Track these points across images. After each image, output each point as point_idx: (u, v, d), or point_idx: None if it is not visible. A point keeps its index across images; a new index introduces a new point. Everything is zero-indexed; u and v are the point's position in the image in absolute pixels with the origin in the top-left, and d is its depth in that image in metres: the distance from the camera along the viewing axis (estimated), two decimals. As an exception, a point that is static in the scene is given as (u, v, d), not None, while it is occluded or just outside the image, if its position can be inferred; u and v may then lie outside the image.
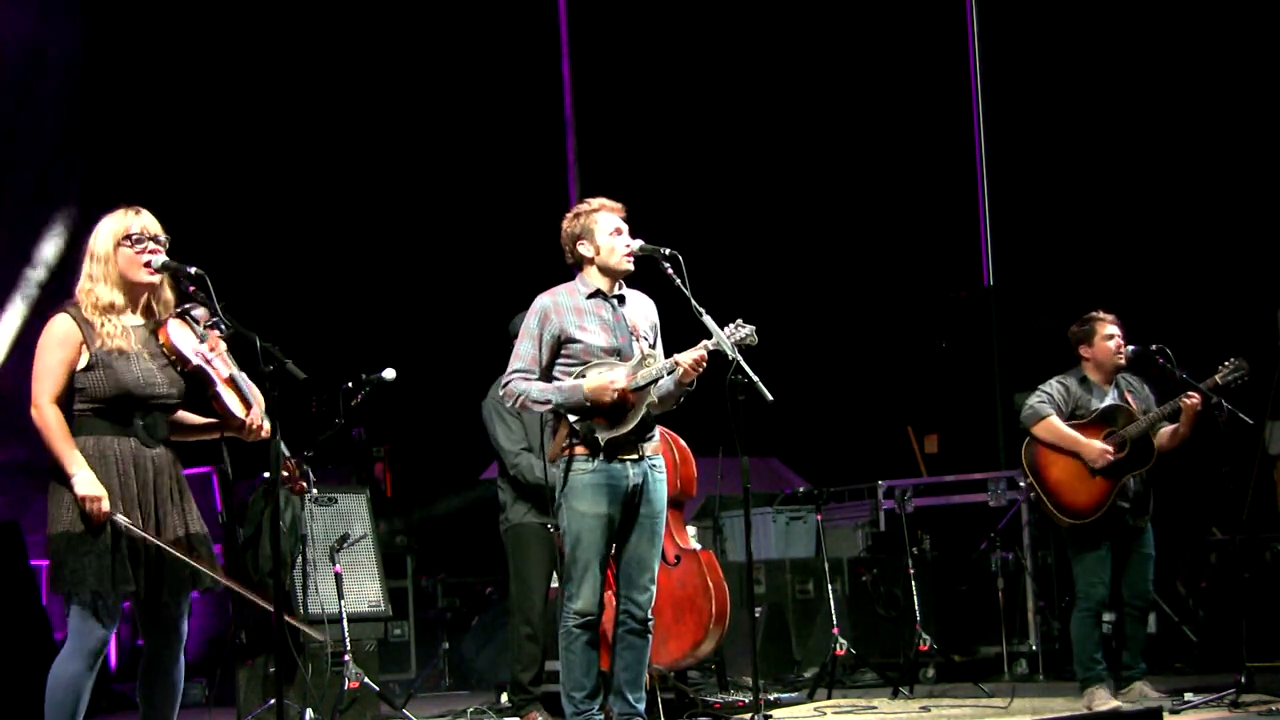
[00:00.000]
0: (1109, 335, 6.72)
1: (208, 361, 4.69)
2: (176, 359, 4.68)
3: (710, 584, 6.68)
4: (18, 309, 9.88)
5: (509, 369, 5.50)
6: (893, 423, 11.36)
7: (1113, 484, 6.57)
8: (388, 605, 7.67)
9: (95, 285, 4.62)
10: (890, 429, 11.36)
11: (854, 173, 12.13)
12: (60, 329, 4.58)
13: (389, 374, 6.91)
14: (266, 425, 4.71)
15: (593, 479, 5.31)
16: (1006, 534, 8.45)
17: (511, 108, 12.08)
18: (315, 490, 6.98)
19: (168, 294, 4.74)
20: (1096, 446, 6.57)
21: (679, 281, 5.39)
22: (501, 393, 5.59)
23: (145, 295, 4.71)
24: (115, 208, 4.72)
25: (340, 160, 11.47)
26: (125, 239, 4.63)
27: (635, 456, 5.37)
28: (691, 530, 7.07)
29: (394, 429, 10.94)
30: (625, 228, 5.52)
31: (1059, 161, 11.00)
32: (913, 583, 8.00)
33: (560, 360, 5.42)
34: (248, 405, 4.72)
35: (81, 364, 4.55)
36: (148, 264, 4.62)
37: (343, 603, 6.87)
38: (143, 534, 4.51)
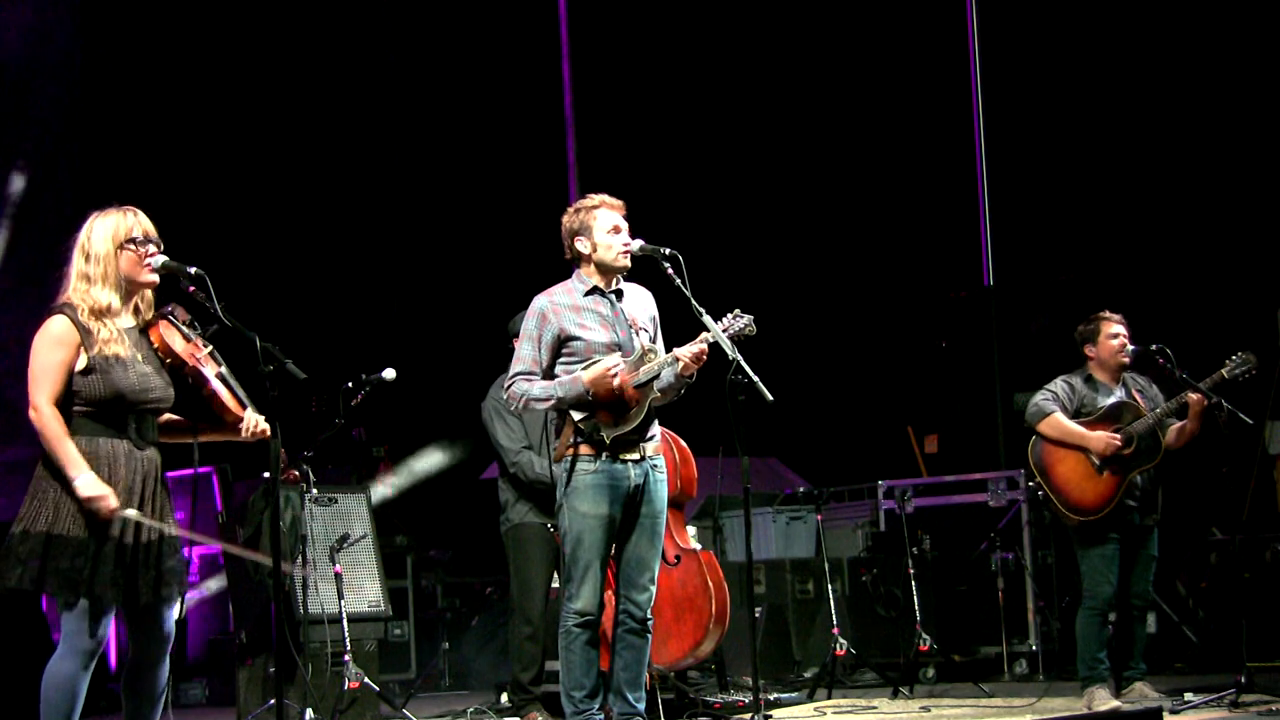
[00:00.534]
0: (1114, 334, 6.73)
1: (198, 361, 4.68)
2: (172, 359, 4.66)
3: (710, 584, 6.68)
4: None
5: (510, 372, 5.50)
6: (893, 423, 11.36)
7: (1120, 480, 6.57)
8: (388, 605, 7.67)
9: (92, 287, 4.57)
10: (890, 429, 11.36)
11: (854, 173, 12.13)
12: (58, 329, 4.53)
13: (389, 374, 6.91)
14: (266, 425, 4.70)
15: (594, 479, 5.31)
16: (1006, 534, 8.45)
17: (511, 108, 12.08)
18: (315, 490, 7.00)
19: (149, 294, 4.71)
20: (1103, 436, 6.56)
21: (679, 281, 5.39)
22: (504, 396, 5.59)
23: (135, 297, 4.68)
24: (106, 207, 4.68)
25: (340, 160, 11.47)
26: (129, 242, 4.60)
27: (637, 457, 5.37)
28: (691, 530, 7.06)
29: (394, 429, 10.94)
30: (624, 225, 5.52)
31: (1059, 161, 11.00)
32: (913, 583, 8.00)
33: (563, 359, 5.42)
34: (242, 405, 4.71)
35: (79, 366, 4.52)
36: (149, 265, 4.61)
37: (343, 603, 6.87)
38: (150, 522, 4.50)
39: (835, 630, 7.79)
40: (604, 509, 5.31)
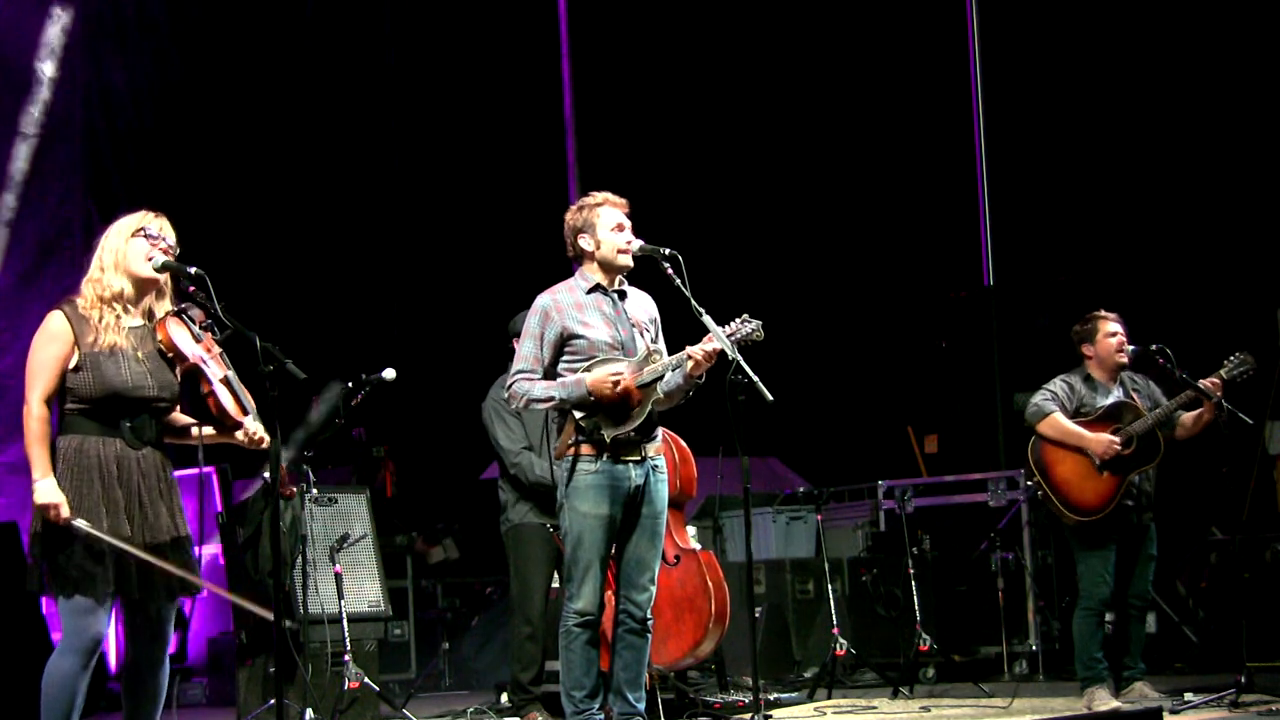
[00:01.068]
0: (1111, 333, 6.73)
1: (204, 362, 4.68)
2: (174, 355, 4.67)
3: (710, 584, 6.68)
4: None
5: (512, 370, 5.50)
6: (893, 423, 11.36)
7: (1120, 481, 6.57)
8: (388, 605, 7.67)
9: (105, 273, 4.63)
10: (890, 429, 11.36)
11: (854, 173, 12.12)
12: (53, 326, 4.59)
13: (389, 374, 6.91)
14: (265, 436, 4.71)
15: (595, 480, 5.31)
16: (1006, 534, 8.45)
17: (511, 108, 12.08)
18: (315, 490, 7.00)
19: (166, 302, 4.75)
20: (1103, 439, 6.57)
21: (679, 282, 5.39)
22: (506, 394, 5.59)
23: (148, 298, 4.70)
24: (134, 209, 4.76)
25: (340, 160, 11.46)
26: (141, 230, 4.66)
27: (638, 457, 5.37)
28: (691, 530, 7.06)
29: (394, 429, 10.95)
30: (628, 223, 5.52)
31: (1059, 161, 11.00)
32: (913, 583, 8.00)
33: (565, 357, 5.42)
34: (244, 409, 4.71)
35: (71, 364, 4.55)
36: (151, 258, 4.63)
37: (343, 603, 6.87)
38: (100, 535, 4.47)
39: (835, 630, 7.79)
40: (604, 509, 5.32)
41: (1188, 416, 6.69)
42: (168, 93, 10.67)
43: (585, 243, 5.51)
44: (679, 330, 5.55)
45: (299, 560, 6.85)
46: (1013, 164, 10.87)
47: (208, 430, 4.78)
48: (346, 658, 6.76)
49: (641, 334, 5.47)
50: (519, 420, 6.82)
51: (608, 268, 5.51)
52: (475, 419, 7.05)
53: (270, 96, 11.08)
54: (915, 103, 11.68)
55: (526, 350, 5.47)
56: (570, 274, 5.62)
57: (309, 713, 6.43)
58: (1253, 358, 6.53)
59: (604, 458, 5.32)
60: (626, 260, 5.49)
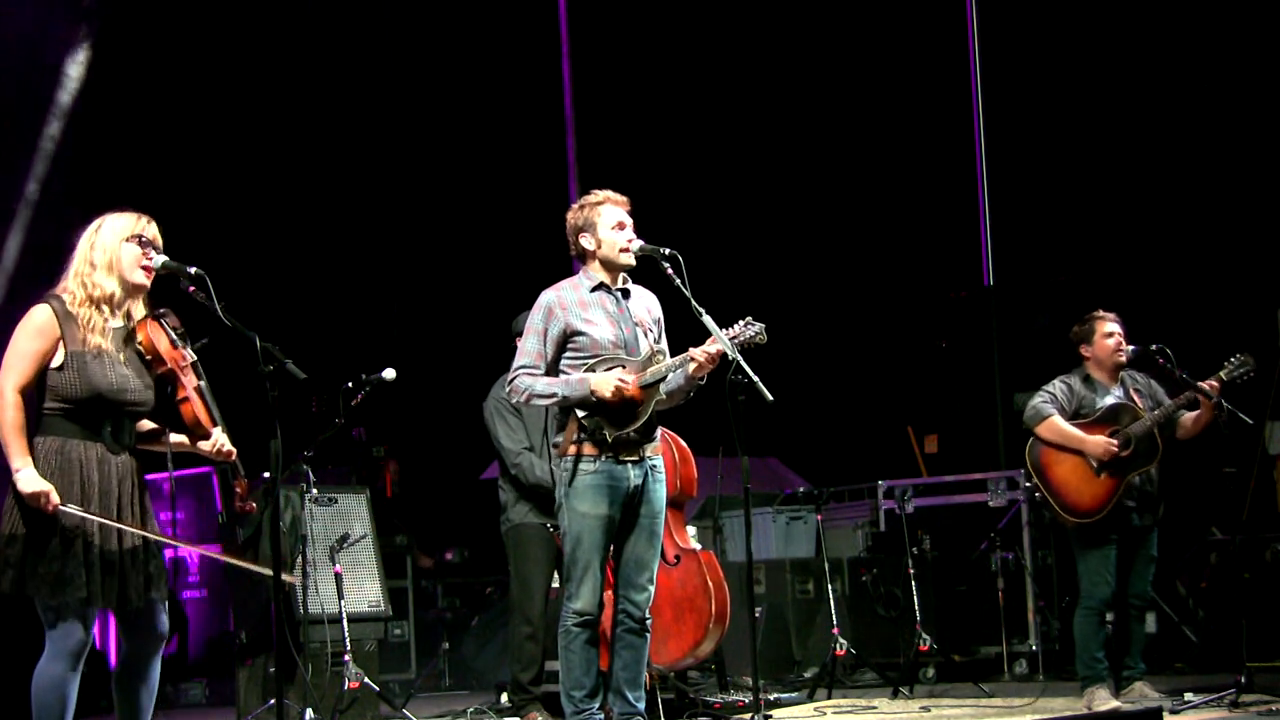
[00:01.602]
0: (1109, 333, 6.72)
1: (180, 367, 4.65)
2: (153, 358, 4.63)
3: (710, 584, 6.68)
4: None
5: (514, 365, 5.50)
6: (893, 423, 11.37)
7: (1118, 482, 6.57)
8: (388, 605, 7.67)
9: (95, 273, 4.56)
10: (890, 429, 11.36)
11: (854, 173, 12.13)
12: (39, 319, 4.51)
13: (389, 374, 6.91)
14: (233, 449, 4.67)
15: (594, 480, 5.32)
16: (1006, 534, 8.45)
17: (511, 108, 12.08)
18: (315, 490, 7.00)
19: (142, 305, 4.70)
20: (1101, 441, 6.56)
21: (679, 282, 5.39)
22: (507, 389, 5.59)
23: (129, 302, 4.66)
24: (121, 209, 4.70)
25: (340, 160, 11.47)
26: (134, 237, 4.61)
27: (637, 457, 5.37)
28: (691, 530, 7.06)
29: (394, 429, 10.95)
30: (629, 222, 5.52)
31: (1059, 161, 11.01)
32: (913, 583, 8.00)
33: (568, 354, 5.42)
34: (213, 420, 4.67)
35: (55, 362, 4.48)
36: (145, 266, 4.60)
37: (343, 603, 6.87)
38: (90, 515, 4.41)
39: (835, 630, 7.79)
40: (603, 509, 5.32)
41: (1188, 417, 6.69)
42: (167, 92, 10.67)
43: (587, 241, 5.51)
44: (679, 330, 5.56)
45: (299, 560, 6.85)
46: (1013, 164, 10.87)
47: (177, 438, 4.73)
48: (346, 658, 6.76)
49: (645, 333, 5.47)
50: (520, 419, 6.82)
51: (610, 266, 5.51)
52: (476, 419, 7.05)
53: (270, 96, 11.08)
54: (915, 103, 11.68)
55: (529, 345, 5.47)
56: (572, 273, 5.62)
57: (309, 713, 6.43)
58: (1253, 358, 6.53)
59: (604, 457, 5.32)
60: (628, 259, 5.49)
